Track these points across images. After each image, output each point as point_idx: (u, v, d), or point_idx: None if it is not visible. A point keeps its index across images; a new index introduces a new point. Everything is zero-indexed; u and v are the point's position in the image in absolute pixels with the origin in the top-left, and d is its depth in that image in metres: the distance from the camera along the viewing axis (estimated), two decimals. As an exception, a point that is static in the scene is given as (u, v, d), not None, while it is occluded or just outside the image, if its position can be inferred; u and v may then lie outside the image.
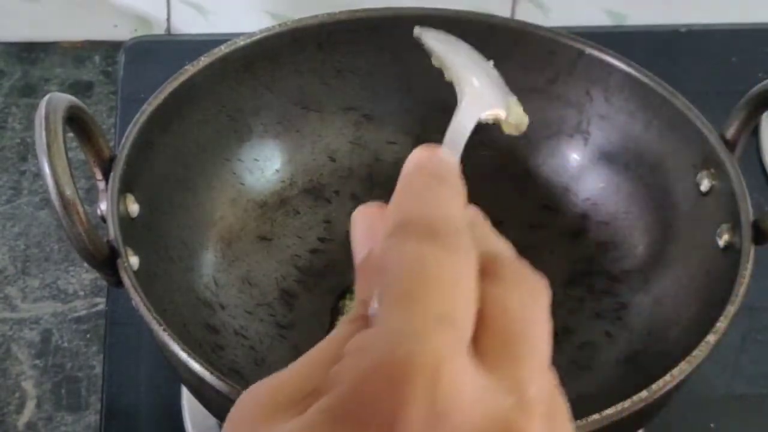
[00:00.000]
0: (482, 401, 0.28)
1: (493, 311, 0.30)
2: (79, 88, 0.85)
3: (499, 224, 0.71)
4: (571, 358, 0.63)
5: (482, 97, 0.54)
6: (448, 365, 0.27)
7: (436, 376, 0.27)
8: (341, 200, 0.69)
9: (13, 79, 0.86)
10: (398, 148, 0.70)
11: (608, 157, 0.67)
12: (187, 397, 0.65)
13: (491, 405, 0.28)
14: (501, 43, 0.67)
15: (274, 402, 0.29)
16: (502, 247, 0.33)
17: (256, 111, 0.67)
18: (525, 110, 0.58)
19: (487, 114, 0.54)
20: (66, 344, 0.70)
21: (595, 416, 0.49)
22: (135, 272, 0.55)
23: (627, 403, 0.50)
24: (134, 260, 0.56)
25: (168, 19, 0.89)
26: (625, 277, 0.65)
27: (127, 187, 0.58)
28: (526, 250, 0.74)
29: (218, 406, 0.53)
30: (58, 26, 0.88)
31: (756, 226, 0.57)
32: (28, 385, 0.68)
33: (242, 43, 0.65)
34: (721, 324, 0.53)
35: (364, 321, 0.30)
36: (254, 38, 0.65)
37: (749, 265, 0.56)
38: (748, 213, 0.58)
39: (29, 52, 0.88)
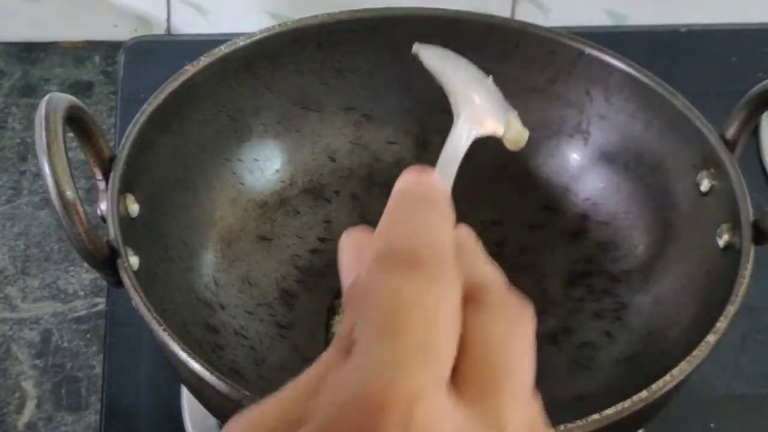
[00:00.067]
0: None
1: (475, 340, 0.30)
2: (79, 88, 0.85)
3: (499, 224, 0.71)
4: (571, 358, 0.63)
5: (479, 114, 0.54)
6: (425, 401, 0.27)
7: (412, 412, 0.27)
8: (341, 200, 0.69)
9: (13, 79, 0.86)
10: (398, 148, 0.70)
11: (608, 157, 0.67)
12: (187, 397, 0.65)
13: None
14: (501, 43, 0.67)
15: (259, 431, 0.29)
16: (489, 272, 0.33)
17: (256, 111, 0.67)
18: (525, 125, 0.58)
19: (485, 132, 0.54)
20: (66, 344, 0.70)
21: (595, 416, 0.49)
22: (135, 272, 0.55)
23: (627, 403, 0.50)
24: (134, 260, 0.56)
25: (168, 19, 0.89)
26: (625, 277, 0.65)
27: (127, 187, 0.58)
28: (526, 250, 0.75)
29: (218, 406, 0.53)
30: (58, 26, 0.88)
31: (756, 226, 0.57)
32: (28, 385, 0.68)
33: (242, 43, 0.65)
34: (721, 324, 0.53)
35: (350, 348, 0.30)
36: (254, 38, 0.65)
37: (749, 265, 0.56)
38: (748, 213, 0.58)
39: (29, 52, 0.88)
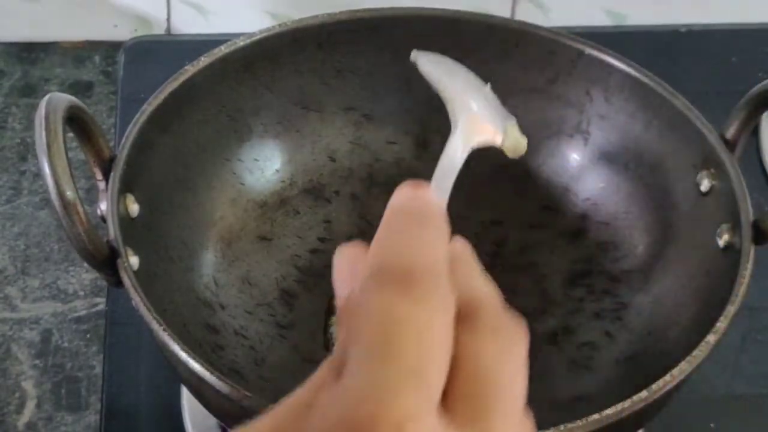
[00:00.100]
0: None
1: (467, 359, 0.30)
2: (79, 88, 0.85)
3: (499, 224, 0.71)
4: (571, 358, 0.63)
5: (477, 123, 0.53)
6: (415, 423, 0.27)
7: None
8: (341, 200, 0.69)
9: (13, 79, 0.86)
10: (398, 148, 0.70)
11: (608, 157, 0.67)
12: (187, 397, 0.64)
13: None
14: (501, 43, 0.67)
15: None
16: (483, 288, 0.32)
17: (256, 111, 0.67)
18: (523, 133, 0.58)
19: (482, 142, 0.53)
20: (66, 344, 0.70)
21: (595, 416, 0.49)
22: (135, 272, 0.55)
23: (627, 403, 0.50)
24: (134, 260, 0.56)
25: (168, 19, 0.89)
26: (625, 277, 0.65)
27: (127, 187, 0.58)
28: (526, 250, 0.74)
29: (218, 406, 0.53)
30: (58, 26, 0.88)
31: (756, 226, 0.57)
32: (28, 385, 0.68)
33: (242, 43, 0.65)
34: (721, 324, 0.53)
35: (342, 367, 0.29)
36: (254, 38, 0.65)
37: (749, 265, 0.56)
38: (748, 213, 0.58)
39: (29, 52, 0.88)
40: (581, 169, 0.68)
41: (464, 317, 0.30)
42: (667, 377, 0.51)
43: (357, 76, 0.69)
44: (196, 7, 0.89)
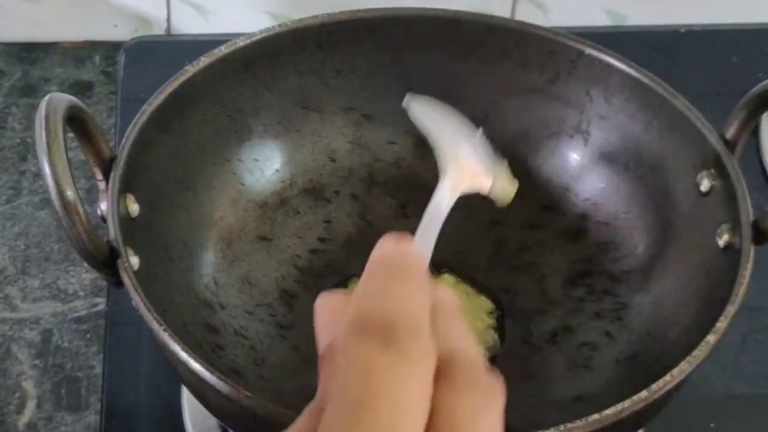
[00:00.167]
0: None
1: (443, 416, 0.30)
2: (79, 88, 0.85)
3: (499, 224, 0.71)
4: (571, 358, 0.63)
5: (466, 170, 0.54)
6: None
7: None
8: (341, 200, 0.69)
9: (13, 79, 0.86)
10: (398, 148, 0.70)
11: (608, 158, 0.67)
12: (187, 397, 0.65)
13: None
14: (501, 43, 0.67)
15: None
16: (464, 342, 0.33)
17: (256, 111, 0.67)
18: (513, 176, 0.58)
19: (470, 189, 0.54)
20: (66, 344, 0.70)
21: (595, 416, 0.49)
22: (135, 272, 0.55)
23: (627, 403, 0.50)
24: (134, 260, 0.56)
25: (168, 19, 0.89)
26: (625, 277, 0.65)
27: (127, 187, 0.58)
28: (526, 250, 0.74)
29: (218, 406, 0.53)
30: (58, 26, 0.88)
31: (756, 226, 0.57)
32: (28, 385, 0.68)
33: (242, 43, 0.65)
34: (721, 324, 0.53)
35: (320, 417, 0.30)
36: (254, 38, 0.65)
37: (749, 265, 0.56)
38: (748, 213, 0.58)
39: (29, 52, 0.88)
40: (581, 169, 0.68)
41: (443, 371, 0.31)
42: (667, 377, 0.51)
43: (357, 76, 0.69)
44: (196, 7, 0.89)
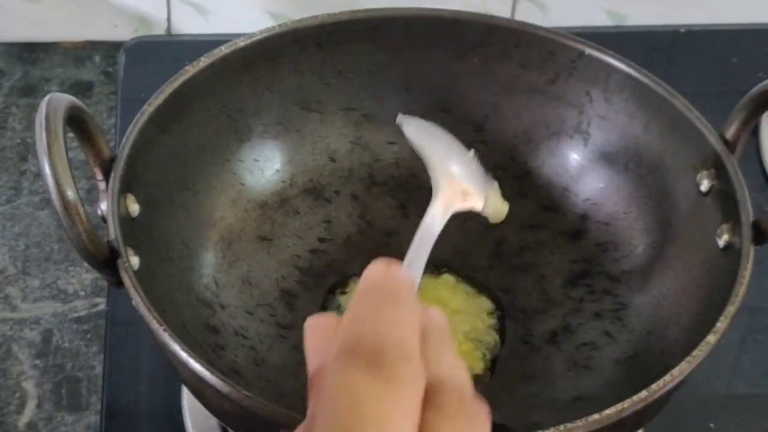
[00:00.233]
0: None
1: None
2: (80, 89, 0.85)
3: (499, 224, 0.71)
4: (571, 358, 0.63)
5: (458, 189, 0.54)
6: None
7: None
8: (341, 200, 0.69)
9: (13, 79, 0.86)
10: (398, 148, 0.70)
11: (608, 158, 0.67)
12: (187, 397, 0.65)
13: None
14: (501, 43, 0.67)
15: None
16: (452, 367, 0.33)
17: (257, 111, 0.67)
18: (504, 198, 0.58)
19: (463, 208, 0.54)
20: (66, 344, 0.70)
21: (595, 416, 0.49)
22: (135, 272, 0.55)
23: (627, 403, 0.50)
24: (134, 260, 0.56)
25: (168, 20, 0.89)
26: (625, 277, 0.65)
27: (127, 187, 0.58)
28: (526, 250, 0.74)
29: (218, 406, 0.53)
30: (59, 26, 0.88)
31: (756, 226, 0.57)
32: (28, 385, 0.68)
33: (242, 43, 0.65)
34: (721, 324, 0.53)
35: None
36: (254, 38, 0.65)
37: (749, 265, 0.56)
38: (748, 213, 0.58)
39: (30, 52, 0.88)
40: (581, 169, 0.68)
41: (431, 396, 0.31)
42: (667, 377, 0.51)
43: (357, 76, 0.69)
44: (196, 7, 0.89)
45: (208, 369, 0.50)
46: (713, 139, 0.61)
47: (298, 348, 0.63)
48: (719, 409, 0.67)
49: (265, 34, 0.65)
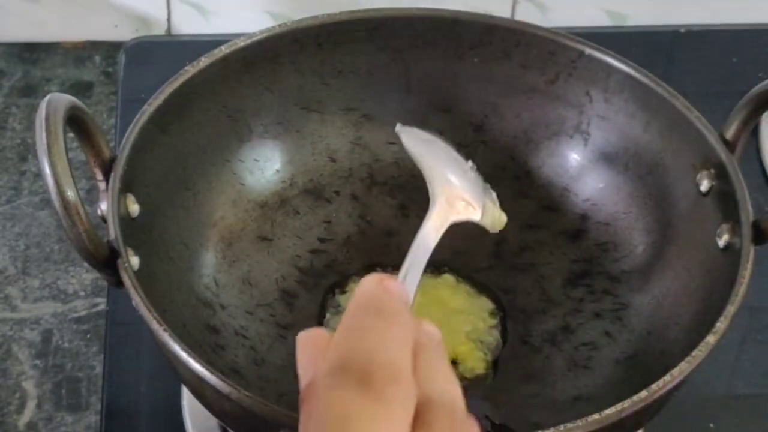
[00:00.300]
0: None
1: None
2: (80, 89, 0.85)
3: (498, 224, 0.69)
4: (571, 358, 0.63)
5: (456, 199, 0.54)
6: None
7: None
8: (341, 200, 0.69)
9: (13, 80, 0.86)
10: (398, 148, 0.70)
11: (608, 158, 0.67)
12: (187, 397, 0.65)
13: None
14: (501, 43, 0.67)
15: None
16: (444, 383, 0.33)
17: (257, 111, 0.67)
18: (503, 208, 0.58)
19: (461, 218, 0.54)
20: (66, 344, 0.70)
21: (595, 416, 0.49)
22: (135, 272, 0.55)
23: (627, 403, 0.50)
24: (134, 260, 0.56)
25: (168, 20, 0.89)
26: (625, 277, 0.65)
27: (127, 187, 0.58)
28: (526, 250, 0.75)
29: (218, 406, 0.53)
30: (59, 27, 0.88)
31: (756, 226, 0.57)
32: (28, 385, 0.68)
33: (242, 43, 0.65)
34: (721, 324, 0.53)
35: None
36: (254, 38, 0.65)
37: (749, 265, 0.56)
38: (748, 213, 0.58)
39: (30, 52, 0.88)
40: (581, 169, 0.68)
41: (421, 413, 0.31)
42: (667, 377, 0.51)
43: (357, 76, 0.69)
44: (196, 7, 0.89)
45: (208, 369, 0.50)
46: (713, 139, 0.61)
47: (298, 348, 0.63)
48: (719, 409, 0.67)
49: (265, 34, 0.65)
